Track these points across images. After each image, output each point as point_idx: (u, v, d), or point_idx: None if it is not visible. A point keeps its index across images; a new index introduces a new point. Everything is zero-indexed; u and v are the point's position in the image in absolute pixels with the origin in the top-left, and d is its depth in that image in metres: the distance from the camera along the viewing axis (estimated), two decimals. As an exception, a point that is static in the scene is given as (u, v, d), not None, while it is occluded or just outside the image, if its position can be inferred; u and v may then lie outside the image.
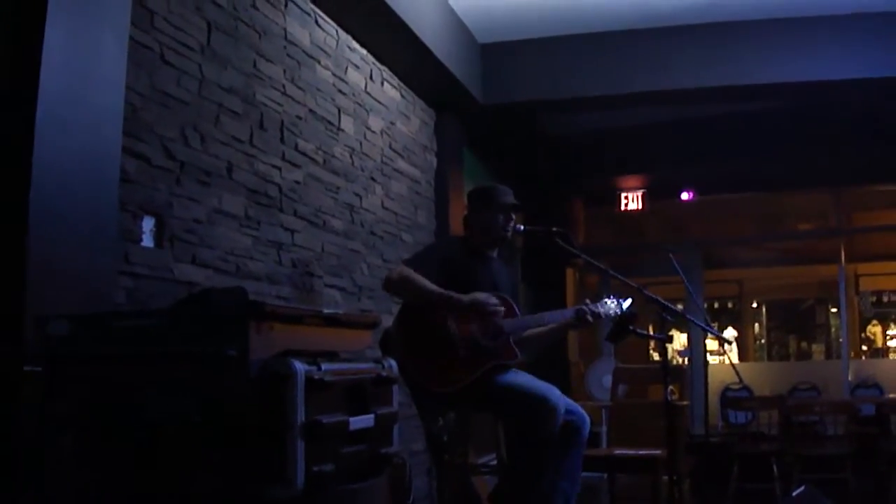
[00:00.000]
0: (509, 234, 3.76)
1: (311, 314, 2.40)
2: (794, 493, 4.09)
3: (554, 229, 3.78)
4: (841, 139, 7.77)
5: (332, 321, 2.47)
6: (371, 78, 5.26)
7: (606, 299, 3.77)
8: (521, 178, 7.53)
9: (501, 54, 6.49)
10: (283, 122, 4.20)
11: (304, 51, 4.44)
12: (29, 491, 2.21)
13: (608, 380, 6.11)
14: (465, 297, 3.45)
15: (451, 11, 5.90)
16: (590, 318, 3.67)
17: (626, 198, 9.06)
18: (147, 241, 3.19)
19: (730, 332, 12.38)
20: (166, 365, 2.11)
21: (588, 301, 3.76)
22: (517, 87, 6.52)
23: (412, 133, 5.89)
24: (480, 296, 3.48)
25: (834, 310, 11.60)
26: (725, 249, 10.89)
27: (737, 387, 8.02)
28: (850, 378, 8.77)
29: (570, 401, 3.54)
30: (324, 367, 2.19)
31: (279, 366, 2.08)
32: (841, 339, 9.75)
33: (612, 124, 8.00)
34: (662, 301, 3.64)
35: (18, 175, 2.47)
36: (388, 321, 3.83)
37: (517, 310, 3.66)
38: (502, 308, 3.53)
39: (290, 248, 4.20)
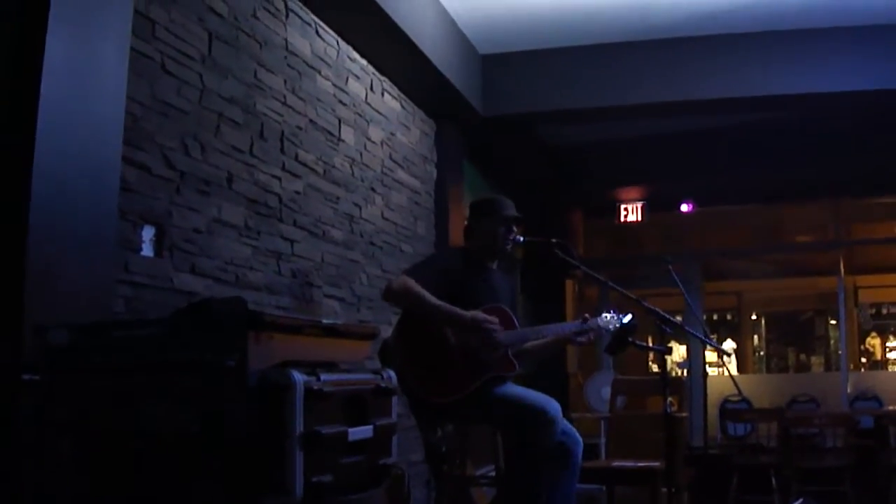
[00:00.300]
0: (510, 246, 3.76)
1: (311, 324, 2.40)
2: (793, 506, 4.09)
3: (553, 240, 3.77)
4: (840, 151, 7.78)
5: (331, 331, 2.48)
6: (371, 88, 5.27)
7: (606, 314, 3.76)
8: (520, 189, 7.53)
9: (502, 65, 6.50)
10: (283, 132, 4.20)
11: (304, 61, 4.45)
12: (27, 497, 2.21)
13: (607, 391, 6.10)
14: (467, 315, 3.45)
15: (452, 22, 5.91)
16: (590, 335, 3.69)
17: (626, 209, 9.07)
18: (147, 250, 3.19)
19: (729, 344, 12.38)
20: (165, 374, 2.11)
21: (588, 315, 3.75)
22: (517, 98, 6.53)
23: (412, 144, 5.90)
24: (480, 315, 3.47)
25: (833, 322, 11.59)
26: (724, 261, 10.90)
27: (736, 399, 8.00)
28: (848, 390, 8.76)
29: (566, 422, 3.53)
30: (323, 377, 2.19)
31: (278, 376, 2.08)
32: (840, 352, 9.74)
33: (612, 136, 8.01)
34: (661, 313, 3.63)
35: (19, 183, 2.47)
36: (387, 332, 3.83)
37: (516, 322, 3.66)
38: (499, 327, 3.52)
39: (290, 259, 4.20)
